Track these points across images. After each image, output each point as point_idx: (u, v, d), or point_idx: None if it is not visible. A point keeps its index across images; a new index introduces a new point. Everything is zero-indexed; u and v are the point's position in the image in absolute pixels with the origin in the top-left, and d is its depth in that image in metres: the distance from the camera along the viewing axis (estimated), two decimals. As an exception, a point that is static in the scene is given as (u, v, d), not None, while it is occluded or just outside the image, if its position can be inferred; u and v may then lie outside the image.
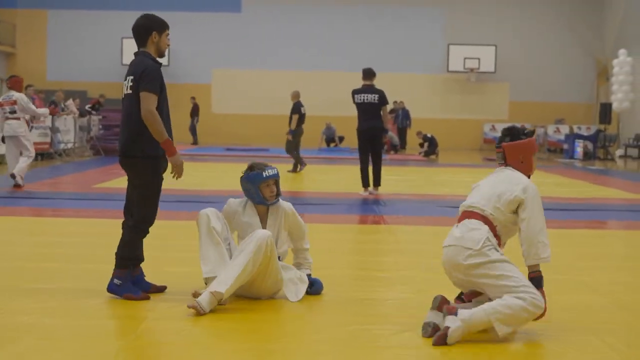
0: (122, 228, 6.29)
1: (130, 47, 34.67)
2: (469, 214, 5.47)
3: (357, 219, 11.72)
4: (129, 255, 6.15)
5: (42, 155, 21.84)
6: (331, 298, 6.36)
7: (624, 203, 14.25)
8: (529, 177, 5.58)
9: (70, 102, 25.03)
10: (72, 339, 5.16)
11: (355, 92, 14.09)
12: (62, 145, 22.76)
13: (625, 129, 32.62)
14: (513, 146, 5.60)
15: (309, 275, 6.41)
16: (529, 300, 5.17)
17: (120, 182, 15.54)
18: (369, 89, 14.05)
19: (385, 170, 14.83)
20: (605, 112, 30.99)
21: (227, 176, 17.50)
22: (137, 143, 6.09)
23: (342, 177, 17.87)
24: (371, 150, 13.94)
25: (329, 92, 33.88)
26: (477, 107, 35.41)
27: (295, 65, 35.71)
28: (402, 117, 32.11)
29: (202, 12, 36.02)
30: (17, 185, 13.69)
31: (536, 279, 5.31)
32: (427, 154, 27.92)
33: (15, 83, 14.26)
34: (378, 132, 13.91)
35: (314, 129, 31.78)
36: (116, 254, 6.18)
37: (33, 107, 14.46)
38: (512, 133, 5.66)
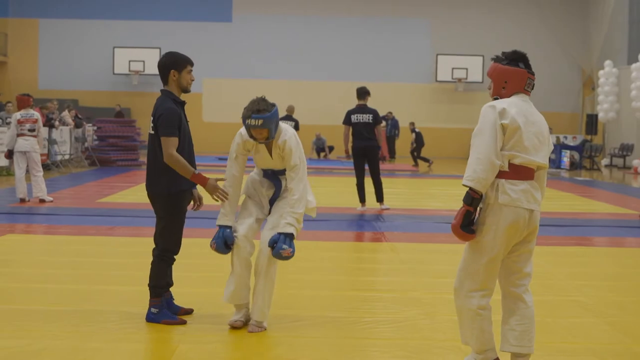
0: (152, 255, 6.64)
1: (121, 56, 35.16)
2: (538, 174, 5.22)
3: (359, 236, 12.05)
4: (160, 284, 6.50)
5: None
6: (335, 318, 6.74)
7: (613, 218, 14.64)
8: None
9: (65, 113, 25.32)
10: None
11: (350, 112, 14.45)
12: (59, 157, 23.04)
13: (610, 139, 33.20)
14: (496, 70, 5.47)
15: (281, 234, 6.20)
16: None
17: (121, 196, 15.95)
18: (363, 108, 14.42)
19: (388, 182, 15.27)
20: (592, 122, 31.57)
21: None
22: (161, 180, 6.43)
23: (336, 190, 18.17)
24: (369, 168, 14.37)
25: (319, 101, 34.38)
26: (465, 117, 35.87)
27: (285, 75, 36.11)
28: (391, 126, 32.49)
29: (193, 22, 36.36)
30: (46, 201, 14.50)
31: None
32: (415, 150, 28.71)
33: (27, 102, 14.66)
34: (373, 150, 14.34)
35: (304, 139, 32.12)
36: (149, 284, 6.52)
37: (42, 130, 15.05)
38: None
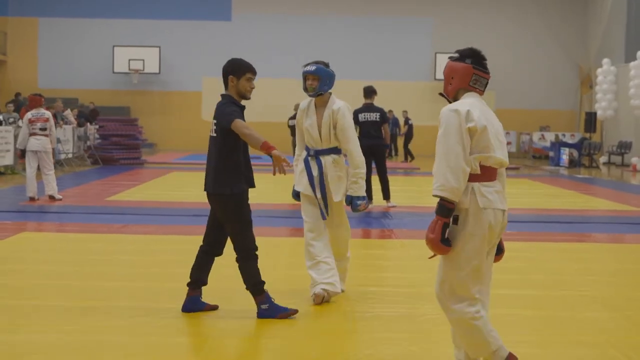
0: (199, 251, 6.86)
1: (121, 55, 35.26)
2: (500, 172, 5.10)
3: (367, 233, 12.19)
4: (257, 281, 6.62)
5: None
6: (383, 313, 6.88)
7: (614, 215, 14.79)
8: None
9: (68, 112, 25.45)
10: (154, 356, 5.70)
11: (357, 111, 14.52)
12: (62, 156, 23.15)
13: (608, 137, 33.40)
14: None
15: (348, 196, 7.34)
16: None
17: (129, 195, 16.07)
18: (370, 107, 14.57)
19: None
20: (591, 121, 31.76)
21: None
22: (224, 182, 6.55)
23: None
24: (377, 166, 14.52)
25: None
26: (464, 115, 35.97)
27: (284, 73, 36.18)
28: (392, 124, 32.61)
29: (193, 21, 36.47)
30: (56, 199, 14.74)
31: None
32: (407, 138, 29.38)
33: (39, 101, 14.95)
34: (380, 148, 14.49)
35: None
36: (247, 288, 6.67)
37: (54, 129, 15.21)
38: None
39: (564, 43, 36.82)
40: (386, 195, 14.71)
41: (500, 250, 5.18)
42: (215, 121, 6.58)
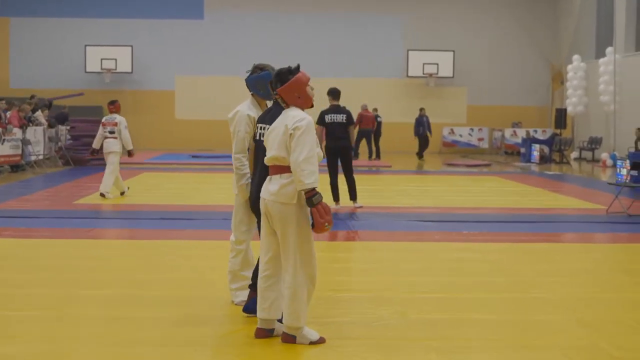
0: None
1: (93, 55, 35.15)
2: (279, 169, 5.94)
3: (332, 235, 12.16)
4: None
5: (14, 167, 22.24)
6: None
7: (581, 213, 14.89)
8: (311, 105, 6.18)
9: (39, 113, 25.33)
10: None
11: (324, 112, 14.67)
12: (32, 157, 23.08)
13: (579, 133, 33.68)
14: (286, 88, 6.02)
15: None
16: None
17: (97, 197, 16.05)
18: (337, 109, 14.67)
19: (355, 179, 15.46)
20: (561, 117, 32.02)
21: (206, 188, 18.08)
22: None
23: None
24: (343, 167, 14.62)
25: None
26: (436, 111, 36.16)
27: (257, 72, 36.21)
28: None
29: (165, 20, 36.40)
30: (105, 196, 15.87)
31: (309, 199, 5.80)
32: (376, 135, 29.90)
33: (118, 108, 16.38)
34: (346, 150, 14.59)
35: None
36: None
37: (127, 132, 16.20)
38: (281, 78, 6.05)
39: (536, 39, 37.05)
40: (353, 196, 14.81)
41: None
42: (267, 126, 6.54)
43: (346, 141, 14.60)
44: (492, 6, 37.02)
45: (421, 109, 31.39)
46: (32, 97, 28.73)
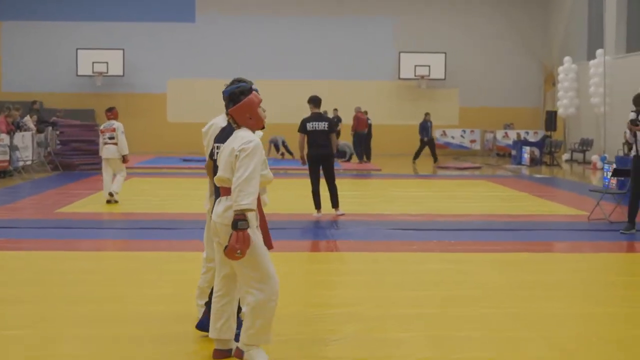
0: None
1: (85, 58, 35.10)
2: (226, 190, 5.93)
3: (311, 245, 12.19)
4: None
5: (1, 173, 22.19)
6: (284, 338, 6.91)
7: (562, 220, 14.82)
8: (263, 127, 6.20)
9: (27, 118, 25.32)
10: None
11: (306, 120, 14.68)
12: (20, 163, 23.05)
13: (571, 134, 33.67)
14: (238, 109, 6.03)
15: None
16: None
17: (80, 206, 16.03)
18: (318, 117, 14.66)
19: (342, 184, 15.44)
20: (551, 119, 32.04)
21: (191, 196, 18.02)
22: None
23: (295, 194, 17.72)
24: (325, 175, 14.60)
25: (283, 100, 34.39)
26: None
27: (247, 75, 35.90)
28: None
29: (157, 23, 36.36)
30: (114, 202, 16.27)
31: (235, 222, 5.73)
32: (367, 137, 29.93)
33: (116, 114, 16.84)
34: (328, 157, 14.59)
35: (264, 139, 32.46)
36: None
37: (123, 138, 16.57)
38: (233, 99, 6.06)
39: (527, 41, 37.03)
40: (335, 203, 14.79)
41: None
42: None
43: (328, 149, 14.59)
44: (483, 8, 37.00)
45: (426, 114, 31.24)
46: (35, 102, 28.80)
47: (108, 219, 14.63)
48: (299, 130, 14.82)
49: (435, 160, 30.32)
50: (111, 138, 16.47)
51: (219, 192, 6.15)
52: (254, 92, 6.12)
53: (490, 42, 36.96)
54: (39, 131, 25.37)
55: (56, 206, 15.96)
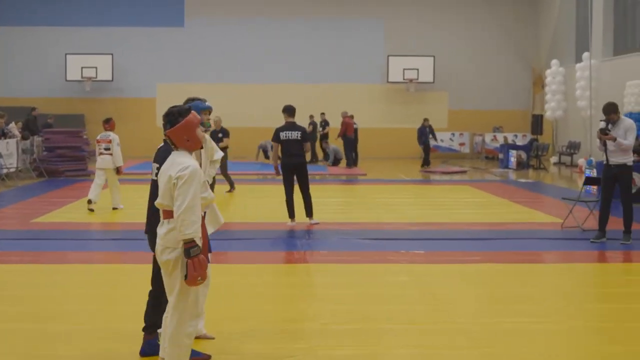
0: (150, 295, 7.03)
1: (74, 63, 35.09)
2: (166, 213, 5.93)
3: (278, 257, 12.13)
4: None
5: (-15, 180, 22.26)
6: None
7: (535, 228, 14.74)
8: (201, 147, 6.21)
9: (12, 125, 25.34)
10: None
11: (279, 129, 14.74)
12: (4, 170, 23.07)
13: (559, 137, 33.70)
14: (175, 131, 5.94)
15: None
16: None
17: (57, 215, 16.04)
18: (292, 126, 14.70)
19: (324, 190, 15.37)
20: (537, 122, 32.08)
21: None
22: None
23: (271, 202, 17.76)
24: (299, 184, 14.63)
25: (271, 104, 34.40)
26: (418, 117, 36.13)
27: (237, 79, 36.31)
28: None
29: (145, 27, 36.43)
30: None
31: (186, 250, 5.74)
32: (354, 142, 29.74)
33: (113, 126, 17.13)
34: (302, 166, 14.63)
35: (254, 142, 32.52)
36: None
37: (118, 150, 16.97)
38: (170, 120, 5.97)
39: (517, 43, 37.09)
40: (309, 212, 14.82)
41: None
42: None
43: (301, 158, 14.64)
44: (472, 10, 37.03)
45: (425, 120, 31.13)
46: (34, 109, 28.86)
47: (82, 230, 14.59)
48: (272, 140, 14.88)
49: (426, 164, 30.23)
50: (107, 149, 16.81)
51: (157, 213, 6.18)
52: (192, 112, 6.05)
53: (479, 45, 37.01)
54: (23, 138, 25.37)
55: (34, 215, 15.96)
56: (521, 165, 29.59)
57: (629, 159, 12.97)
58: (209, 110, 7.18)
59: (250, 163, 30.98)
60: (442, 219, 16.00)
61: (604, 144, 12.97)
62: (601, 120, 13.26)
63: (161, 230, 6.00)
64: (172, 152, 6.04)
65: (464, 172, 28.72)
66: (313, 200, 14.88)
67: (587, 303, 9.25)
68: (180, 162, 5.88)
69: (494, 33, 37.01)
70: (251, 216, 16.29)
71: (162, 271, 6.06)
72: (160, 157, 6.36)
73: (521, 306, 8.83)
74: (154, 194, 6.40)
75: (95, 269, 11.03)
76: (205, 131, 7.01)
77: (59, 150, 25.46)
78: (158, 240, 5.99)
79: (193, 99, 7.22)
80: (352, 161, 29.63)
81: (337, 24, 36.74)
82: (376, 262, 11.44)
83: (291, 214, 14.76)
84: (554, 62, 32.64)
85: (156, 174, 6.40)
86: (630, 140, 12.81)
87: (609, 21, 30.11)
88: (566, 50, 33.86)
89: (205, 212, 6.85)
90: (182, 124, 5.95)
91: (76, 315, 8.32)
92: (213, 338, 7.29)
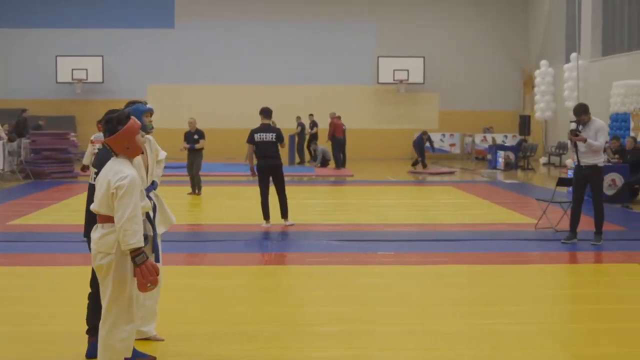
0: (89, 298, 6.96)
1: (64, 65, 35.14)
2: (102, 218, 5.90)
3: (253, 258, 12.11)
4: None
5: (-30, 183, 22.30)
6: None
7: (510, 229, 14.71)
8: (142, 152, 6.21)
9: (-2, 127, 25.39)
10: None
11: (254, 131, 14.77)
12: (-11, 173, 23.14)
13: (548, 138, 33.73)
14: (115, 139, 5.91)
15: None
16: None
17: (36, 217, 16.05)
18: (267, 128, 14.74)
19: (309, 191, 15.35)
20: (525, 123, 32.15)
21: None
22: None
23: (248, 205, 17.47)
24: (275, 185, 14.67)
25: (261, 105, 34.37)
26: (408, 118, 36.35)
27: (227, 80, 36.37)
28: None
29: (136, 29, 36.49)
30: None
31: (133, 259, 5.76)
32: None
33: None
34: (277, 168, 14.67)
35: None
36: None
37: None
38: (109, 128, 5.93)
39: (507, 44, 37.13)
40: (284, 214, 14.86)
41: None
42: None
43: (276, 159, 14.68)
44: (462, 11, 37.09)
45: (423, 133, 30.84)
46: (25, 110, 28.89)
47: (52, 232, 14.54)
48: (247, 141, 14.92)
49: (417, 165, 30.21)
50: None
51: (93, 217, 6.18)
52: (132, 118, 6.04)
53: (470, 46, 37.05)
54: (10, 140, 25.41)
55: (14, 217, 15.99)
56: (509, 166, 29.63)
57: (600, 159, 13.00)
58: (150, 112, 7.16)
59: (237, 164, 30.96)
60: (421, 220, 16.03)
61: (575, 145, 13.00)
62: (572, 122, 13.28)
63: (95, 234, 5.99)
64: (112, 159, 6.02)
65: (451, 173, 28.75)
66: (296, 202, 14.97)
67: (559, 305, 9.18)
68: (118, 170, 5.86)
69: (484, 34, 37.06)
70: (225, 218, 16.32)
71: (100, 281, 6.07)
72: (99, 161, 6.37)
73: (495, 308, 8.80)
74: (91, 198, 6.42)
75: (53, 271, 11.01)
76: (148, 133, 7.02)
77: (45, 152, 25.50)
78: (92, 245, 6.00)
79: (134, 102, 7.20)
80: (341, 162, 29.61)
81: (327, 26, 36.79)
82: (351, 263, 11.36)
83: (266, 216, 14.80)
84: (543, 62, 32.69)
85: (94, 179, 6.41)
86: (600, 142, 12.82)
87: (597, 22, 30.15)
88: (555, 51, 33.91)
89: (154, 214, 6.87)
90: (122, 132, 5.92)
91: (25, 317, 8.34)
92: (162, 340, 7.31)
